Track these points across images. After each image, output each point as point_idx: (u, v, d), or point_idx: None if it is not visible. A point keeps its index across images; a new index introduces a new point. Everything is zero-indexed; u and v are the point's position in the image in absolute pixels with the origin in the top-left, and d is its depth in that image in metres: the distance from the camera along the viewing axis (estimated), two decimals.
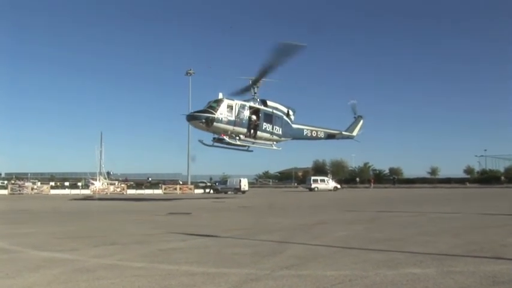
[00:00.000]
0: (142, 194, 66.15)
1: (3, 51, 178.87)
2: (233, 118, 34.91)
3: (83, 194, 64.36)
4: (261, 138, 37.99)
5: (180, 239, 12.75)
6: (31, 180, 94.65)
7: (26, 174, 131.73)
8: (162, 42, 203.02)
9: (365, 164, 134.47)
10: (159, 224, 18.25)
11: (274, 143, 39.67)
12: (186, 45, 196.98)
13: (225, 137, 35.51)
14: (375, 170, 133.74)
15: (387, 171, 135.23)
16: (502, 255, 9.50)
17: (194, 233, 13.99)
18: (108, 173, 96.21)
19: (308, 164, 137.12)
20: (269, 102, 38.62)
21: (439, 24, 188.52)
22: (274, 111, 38.92)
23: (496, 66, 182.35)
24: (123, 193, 67.95)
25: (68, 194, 64.38)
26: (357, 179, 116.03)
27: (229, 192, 67.30)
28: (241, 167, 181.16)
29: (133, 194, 66.34)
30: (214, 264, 8.65)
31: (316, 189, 77.74)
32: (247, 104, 36.71)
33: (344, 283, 7.01)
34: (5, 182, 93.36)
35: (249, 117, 36.46)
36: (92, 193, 66.90)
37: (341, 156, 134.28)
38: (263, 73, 36.01)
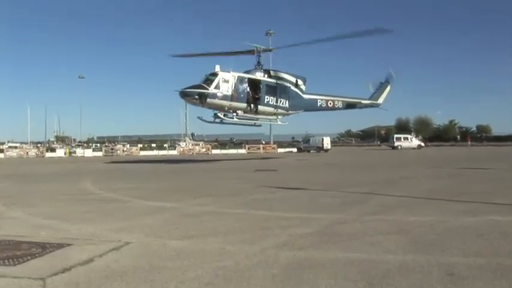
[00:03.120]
0: (227, 153, 67.93)
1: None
2: (230, 93, 31.86)
3: (169, 155, 67.08)
4: (263, 112, 34.95)
5: (270, 192, 13.81)
6: (121, 143, 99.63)
7: (116, 137, 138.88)
8: None
9: (450, 122, 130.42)
10: (248, 179, 19.36)
11: (280, 117, 36.94)
12: None
13: (219, 114, 33.20)
14: (461, 127, 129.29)
15: (474, 128, 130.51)
16: None
17: (283, 187, 15.01)
18: (192, 134, 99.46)
19: (391, 122, 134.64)
20: (273, 73, 35.62)
21: None
22: (279, 81, 35.41)
23: None
24: (208, 153, 70.20)
25: (156, 155, 67.36)
26: (458, 137, 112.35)
27: (311, 151, 68.01)
28: (324, 126, 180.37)
29: (218, 154, 68.31)
30: (306, 211, 9.58)
31: (399, 147, 76.66)
32: (247, 76, 33.78)
33: (425, 226, 7.69)
34: (98, 144, 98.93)
35: (248, 91, 33.36)
36: (178, 154, 69.66)
37: (425, 113, 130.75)
38: None
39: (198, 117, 35.35)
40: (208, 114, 34.66)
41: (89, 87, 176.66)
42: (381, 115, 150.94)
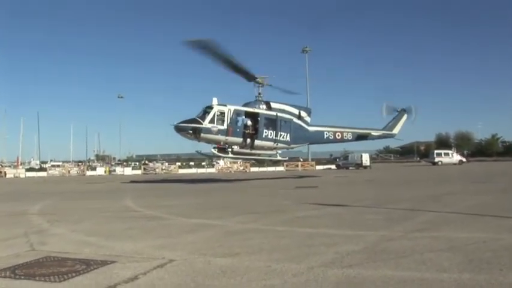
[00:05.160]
0: (265, 171, 67.66)
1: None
2: (225, 127, 30.57)
3: (208, 173, 67.34)
4: (262, 147, 33.04)
5: (312, 208, 13.61)
6: (160, 161, 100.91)
7: (155, 155, 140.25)
8: None
9: (493, 136, 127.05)
10: (289, 196, 19.13)
11: (279, 151, 34.72)
12: None
13: (213, 150, 32.27)
14: (504, 142, 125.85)
15: None
16: None
17: (325, 203, 14.79)
18: None
19: (430, 137, 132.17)
20: (273, 104, 33.34)
21: None
22: (280, 114, 33.17)
23: None
24: (246, 171, 70.04)
25: (194, 173, 67.69)
26: None
27: (350, 168, 67.34)
28: (362, 143, 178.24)
29: (256, 171, 68.04)
30: (350, 228, 9.35)
31: (439, 163, 75.14)
32: (243, 109, 32.36)
33: (478, 244, 7.34)
34: (137, 163, 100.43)
35: (246, 124, 32.01)
36: (217, 171, 69.85)
37: (466, 128, 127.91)
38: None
39: (197, 151, 34.93)
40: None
41: (127, 106, 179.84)
42: (420, 131, 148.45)
